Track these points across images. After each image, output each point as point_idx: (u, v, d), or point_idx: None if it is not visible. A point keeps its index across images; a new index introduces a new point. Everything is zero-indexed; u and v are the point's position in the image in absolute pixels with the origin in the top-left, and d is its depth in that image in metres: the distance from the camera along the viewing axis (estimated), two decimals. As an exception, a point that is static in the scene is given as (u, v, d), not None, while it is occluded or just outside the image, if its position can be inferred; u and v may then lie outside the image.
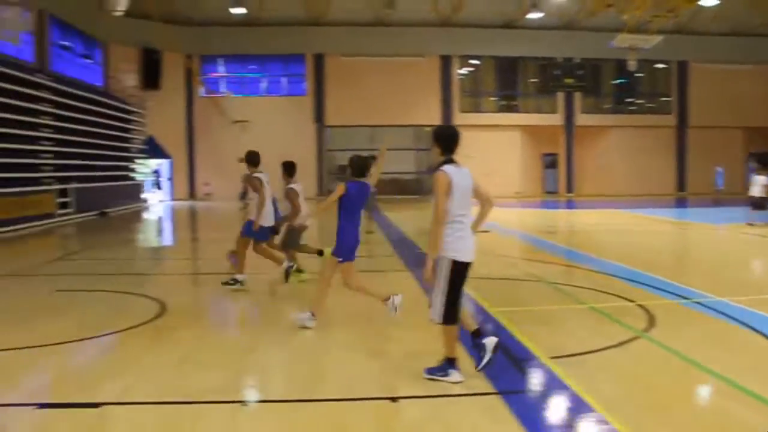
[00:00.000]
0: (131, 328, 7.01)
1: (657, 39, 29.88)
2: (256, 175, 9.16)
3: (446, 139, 5.23)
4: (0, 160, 18.48)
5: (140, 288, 9.33)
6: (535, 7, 31.22)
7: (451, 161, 5.14)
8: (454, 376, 5.13)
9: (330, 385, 5.21)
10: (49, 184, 21.09)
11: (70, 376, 5.46)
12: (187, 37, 33.30)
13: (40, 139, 21.21)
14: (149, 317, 7.49)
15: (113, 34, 30.49)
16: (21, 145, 19.96)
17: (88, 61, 29.34)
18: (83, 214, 23.03)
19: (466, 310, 5.58)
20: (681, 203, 32.32)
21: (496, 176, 34.53)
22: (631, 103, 39.99)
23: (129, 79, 30.96)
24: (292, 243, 9.71)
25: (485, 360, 5.20)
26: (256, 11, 32.65)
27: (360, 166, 7.01)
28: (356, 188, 6.85)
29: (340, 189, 6.79)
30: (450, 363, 5.16)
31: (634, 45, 30.15)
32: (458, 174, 5.09)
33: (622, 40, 29.80)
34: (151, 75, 32.55)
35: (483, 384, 5.10)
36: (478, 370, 5.22)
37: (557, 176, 39.28)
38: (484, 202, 5.38)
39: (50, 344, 6.46)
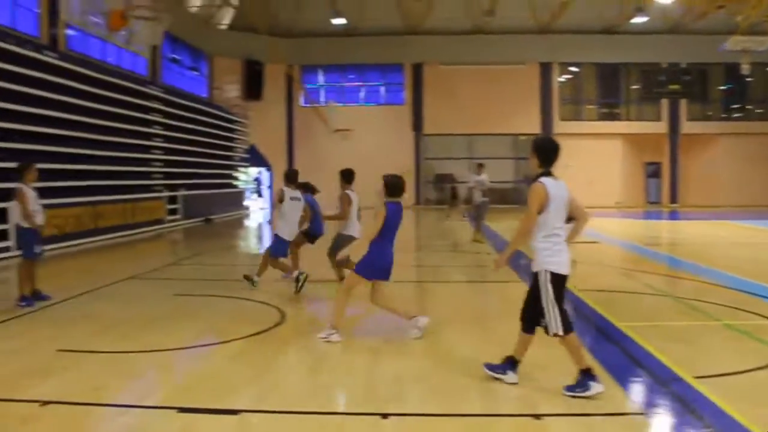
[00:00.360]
0: (255, 334, 7.11)
1: (772, 41, 28.25)
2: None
3: (546, 152, 5.22)
4: (117, 168, 19.42)
5: (254, 294, 9.48)
6: (640, 11, 30.13)
7: (549, 173, 5.16)
8: (596, 387, 4.96)
9: (472, 400, 5.07)
10: (160, 191, 21.97)
11: (204, 381, 5.55)
12: (288, 48, 34.08)
13: (152, 148, 22.17)
14: (271, 324, 7.58)
15: (218, 46, 31.65)
16: (135, 154, 20.90)
17: (195, 73, 30.50)
18: (190, 221, 23.89)
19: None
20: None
21: (597, 186, 33.63)
22: (740, 110, 37.99)
23: (232, 90, 32.00)
24: (332, 251, 9.88)
25: (583, 393, 4.99)
26: (356, 21, 33.14)
27: (395, 186, 6.90)
28: (394, 209, 6.85)
29: (381, 214, 6.78)
30: (586, 375, 5.02)
31: (748, 48, 28.60)
32: (555, 187, 5.12)
33: (735, 42, 28.33)
34: (253, 86, 33.52)
35: (628, 403, 4.85)
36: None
37: (660, 186, 37.80)
38: (579, 216, 5.37)
39: (180, 348, 6.66)
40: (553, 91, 36.41)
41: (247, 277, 10.00)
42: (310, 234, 10.62)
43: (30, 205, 8.59)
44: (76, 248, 15.98)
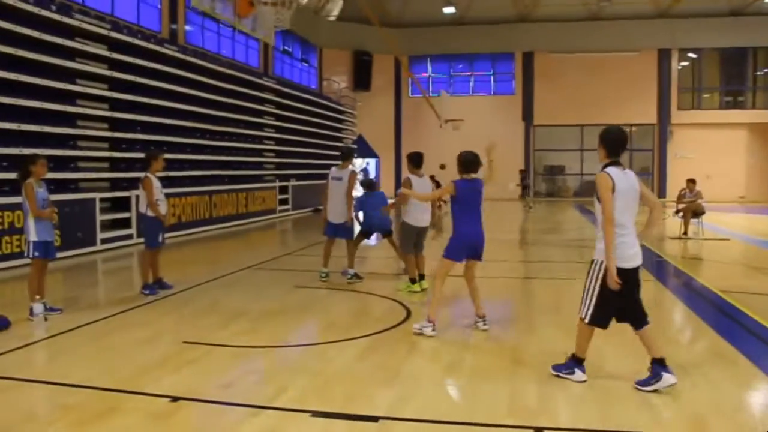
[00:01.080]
0: (381, 332, 6.85)
1: None
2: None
3: (612, 142, 5.11)
4: (231, 158, 19.81)
5: (375, 288, 9.26)
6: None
7: (615, 164, 5.05)
8: (579, 375, 5.19)
9: (629, 412, 4.59)
10: (272, 181, 22.29)
11: (335, 382, 5.30)
12: (397, 38, 33.85)
13: (264, 138, 22.51)
14: (395, 321, 7.31)
15: (327, 38, 31.87)
16: (249, 144, 21.27)
17: (305, 64, 30.82)
18: (299, 211, 24.15)
19: (644, 335, 5.16)
20: None
21: (718, 179, 31.65)
22: None
23: (341, 81, 32.16)
24: (402, 244, 9.17)
25: (652, 387, 4.94)
26: (464, 10, 32.55)
27: (467, 161, 6.75)
28: (465, 185, 6.74)
29: (446, 189, 6.84)
30: (576, 361, 5.23)
31: None
32: (622, 178, 5.00)
33: None
34: (361, 76, 33.60)
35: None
36: (638, 386, 4.99)
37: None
38: (653, 207, 5.24)
39: (306, 344, 6.48)
40: (672, 79, 34.47)
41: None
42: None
43: (155, 195, 8.70)
44: (192, 237, 16.38)
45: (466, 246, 6.80)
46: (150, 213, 8.72)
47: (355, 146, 10.16)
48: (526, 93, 35.27)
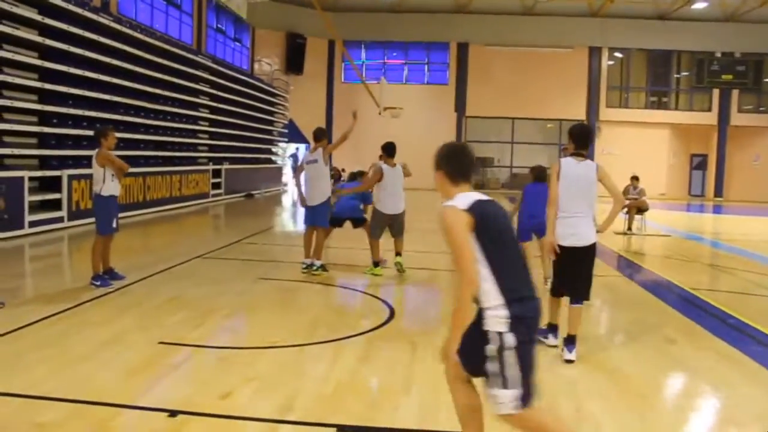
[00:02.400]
0: (372, 330, 6.36)
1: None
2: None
3: (577, 136, 5.68)
4: (165, 138, 18.70)
5: (341, 280, 8.75)
6: (700, -4, 28.90)
7: (577, 155, 5.62)
8: (550, 339, 5.83)
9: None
10: (206, 164, 21.26)
11: (348, 389, 4.75)
12: (333, 22, 33.00)
13: (199, 119, 21.42)
14: (383, 318, 6.82)
15: (261, 18, 30.69)
16: (184, 125, 20.17)
17: (237, 44, 29.65)
18: (231, 196, 23.19)
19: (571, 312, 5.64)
20: None
21: (641, 176, 32.34)
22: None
23: (273, 64, 31.13)
24: (371, 229, 9.44)
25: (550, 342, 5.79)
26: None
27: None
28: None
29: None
30: (550, 327, 5.84)
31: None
32: (573, 166, 5.55)
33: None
34: (294, 59, 32.62)
35: None
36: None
37: (704, 179, 36.65)
38: (614, 199, 5.68)
39: (299, 344, 5.87)
40: (601, 77, 35.22)
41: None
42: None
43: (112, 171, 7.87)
44: (125, 221, 15.24)
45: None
46: (105, 192, 7.85)
47: (323, 128, 9.46)
48: (459, 84, 35.20)
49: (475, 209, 3.04)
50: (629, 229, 16.41)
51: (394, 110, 28.20)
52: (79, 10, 14.36)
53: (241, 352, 5.69)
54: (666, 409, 4.71)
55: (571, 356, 5.43)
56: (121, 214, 15.12)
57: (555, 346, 5.72)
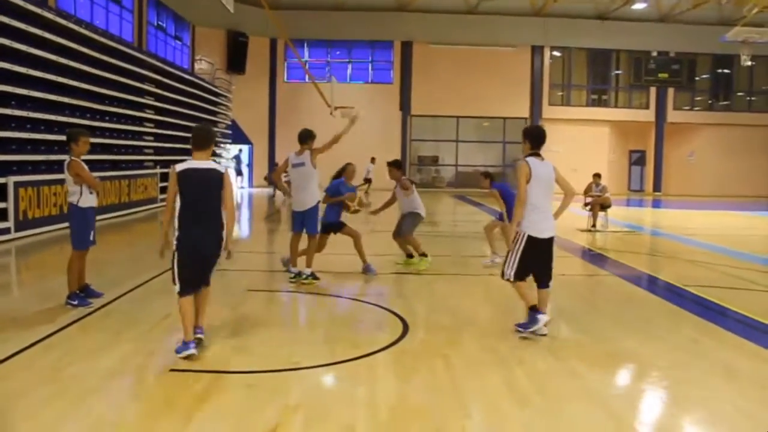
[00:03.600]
0: (392, 344, 5.90)
1: (774, 32, 28.02)
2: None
3: (533, 137, 6.22)
4: (112, 140, 17.68)
5: (338, 288, 8.22)
6: (640, -4, 29.51)
7: (535, 155, 6.13)
8: (542, 318, 6.08)
9: None
10: (153, 167, 20.26)
11: (403, 413, 4.30)
12: (280, 20, 32.14)
13: (144, 120, 20.40)
14: (398, 330, 6.36)
15: (201, 15, 29.68)
16: (130, 126, 19.14)
17: (178, 42, 28.53)
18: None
19: (544, 293, 6.27)
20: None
21: (583, 172, 32.86)
22: (726, 101, 37.99)
23: (214, 62, 30.10)
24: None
25: (531, 328, 6.13)
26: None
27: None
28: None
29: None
30: (533, 310, 6.14)
31: (749, 39, 28.26)
32: (540, 166, 6.08)
33: (737, 33, 27.95)
34: (236, 58, 31.65)
35: None
36: (518, 329, 6.22)
37: (643, 174, 37.58)
38: (566, 194, 6.24)
39: (326, 364, 5.35)
40: (544, 75, 35.60)
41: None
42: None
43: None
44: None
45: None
46: (83, 204, 7.11)
47: (310, 129, 8.87)
48: (403, 83, 34.95)
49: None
50: (593, 226, 16.43)
51: (345, 110, 27.61)
52: (20, 2, 13.27)
53: (266, 376, 5.12)
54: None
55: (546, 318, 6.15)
56: (65, 223, 14.33)
57: (548, 322, 6.14)
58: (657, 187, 36.70)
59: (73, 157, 7.09)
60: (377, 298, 7.87)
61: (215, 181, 5.53)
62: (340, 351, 5.75)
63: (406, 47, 34.72)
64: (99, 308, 7.03)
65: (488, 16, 33.97)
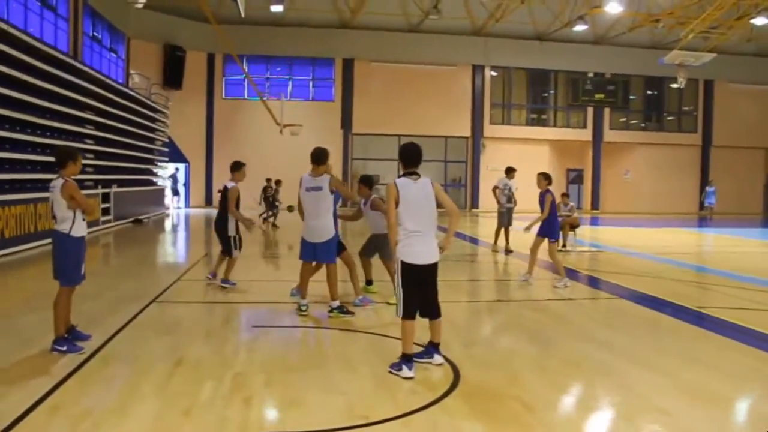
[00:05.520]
0: (453, 388, 5.20)
1: (708, 57, 28.90)
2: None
3: (404, 156, 5.74)
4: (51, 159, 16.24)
5: (357, 322, 7.43)
6: (581, 19, 29.96)
7: (409, 174, 5.66)
8: (405, 372, 5.42)
9: None
10: (95, 187, 18.83)
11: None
12: (211, 35, 30.90)
13: (84, 137, 18.97)
14: (445, 371, 5.65)
15: (137, 27, 28.27)
16: (71, 143, 17.68)
17: (113, 55, 27.01)
18: (121, 222, 20.82)
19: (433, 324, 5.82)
20: (721, 222, 31.12)
21: (523, 191, 33.05)
22: (658, 121, 39.15)
23: (151, 77, 28.67)
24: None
25: (398, 372, 5.48)
26: (285, 11, 30.64)
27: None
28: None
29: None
30: (404, 358, 5.50)
31: (685, 62, 29.09)
32: (410, 187, 5.60)
33: (674, 56, 28.69)
34: (173, 73, 30.27)
35: None
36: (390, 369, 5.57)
37: (580, 192, 38.15)
38: (449, 212, 5.81)
39: (396, 417, 4.58)
40: (485, 95, 35.69)
41: None
42: None
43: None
44: (15, 257, 12.92)
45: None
46: (76, 233, 6.10)
47: (326, 148, 8.11)
48: (345, 100, 34.29)
49: None
50: (564, 246, 16.19)
51: (293, 127, 26.78)
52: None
53: (339, 439, 4.32)
54: None
55: (441, 360, 5.77)
56: (7, 250, 12.92)
57: (411, 378, 5.42)
58: (595, 204, 37.31)
59: (67, 178, 6.08)
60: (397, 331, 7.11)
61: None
62: (402, 398, 5.03)
63: (348, 65, 34.12)
64: (93, 354, 6.00)
65: (430, 34, 33.82)
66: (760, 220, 33.35)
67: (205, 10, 23.05)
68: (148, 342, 6.56)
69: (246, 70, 30.42)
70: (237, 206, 9.64)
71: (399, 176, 5.75)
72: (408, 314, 5.59)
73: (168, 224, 23.62)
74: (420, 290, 5.62)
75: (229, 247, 9.72)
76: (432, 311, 5.73)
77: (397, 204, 5.57)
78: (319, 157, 7.76)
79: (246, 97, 33.31)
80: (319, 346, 6.70)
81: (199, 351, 6.22)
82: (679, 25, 29.64)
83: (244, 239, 10.06)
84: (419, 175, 5.68)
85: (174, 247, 17.59)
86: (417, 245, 5.56)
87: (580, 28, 30.82)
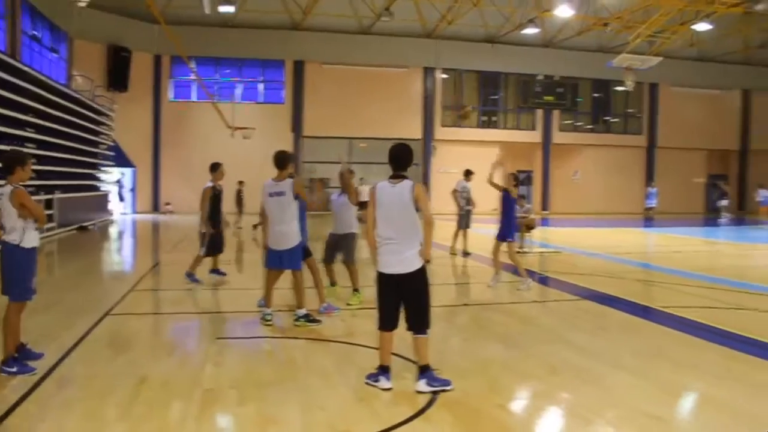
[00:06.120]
0: (433, 400, 4.96)
1: (655, 60, 29.53)
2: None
3: (390, 158, 5.46)
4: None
5: (326, 330, 7.16)
6: (531, 23, 30.29)
7: (394, 177, 5.39)
8: (382, 382, 5.24)
9: None
10: (37, 193, 18.03)
11: None
12: (158, 35, 30.12)
13: (25, 140, 18.15)
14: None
15: (80, 27, 27.29)
16: (12, 146, 16.88)
17: (54, 55, 26.02)
18: (65, 229, 20.02)
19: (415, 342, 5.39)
20: (666, 222, 31.79)
21: (475, 192, 33.22)
22: (605, 123, 39.88)
23: (95, 78, 27.72)
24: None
25: (372, 382, 5.29)
26: (235, 11, 30.04)
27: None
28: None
29: None
30: (380, 369, 5.31)
31: (632, 65, 29.66)
32: (387, 191, 5.34)
33: (622, 60, 29.23)
34: (118, 75, 29.35)
35: None
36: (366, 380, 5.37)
37: (530, 193, 38.53)
38: (423, 221, 5.32)
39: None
40: (436, 97, 35.74)
41: None
42: None
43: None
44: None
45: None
46: (28, 243, 5.69)
47: (288, 151, 7.96)
48: (296, 103, 33.86)
49: None
50: (521, 247, 16.19)
51: (245, 131, 26.25)
52: None
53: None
54: None
55: (422, 387, 5.20)
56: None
57: (389, 389, 5.19)
58: (545, 206, 37.72)
59: (16, 185, 5.66)
60: (372, 339, 6.87)
61: None
62: (383, 411, 4.82)
63: (299, 67, 33.72)
64: (46, 375, 5.59)
65: (381, 36, 33.71)
66: (702, 219, 34.25)
67: (153, 9, 22.31)
68: (106, 359, 6.16)
69: (195, 71, 29.61)
70: (218, 207, 10.39)
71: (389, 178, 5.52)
72: (381, 325, 5.38)
73: (114, 231, 22.84)
74: (395, 301, 5.34)
75: (201, 242, 10.36)
76: (411, 324, 5.35)
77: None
78: (281, 161, 7.49)
79: (195, 99, 32.60)
80: (289, 357, 6.38)
81: (163, 367, 5.86)
82: (626, 29, 30.17)
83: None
84: (403, 179, 5.37)
85: (123, 256, 16.96)
86: (387, 254, 5.33)
87: (530, 31, 31.14)
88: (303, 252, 8.03)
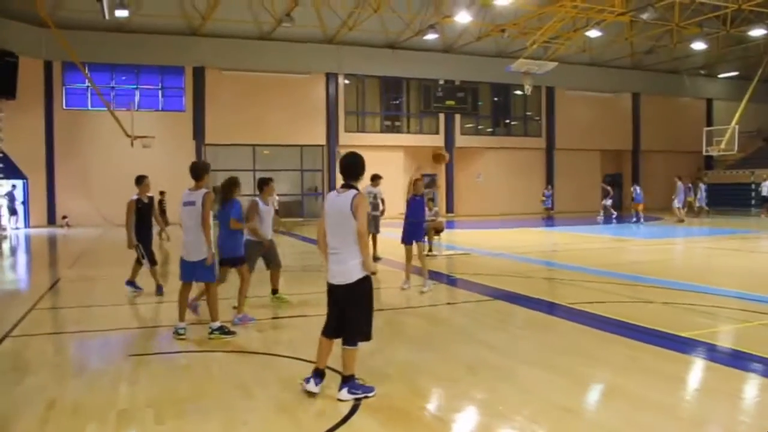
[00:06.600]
0: (356, 407, 4.99)
1: (551, 65, 30.79)
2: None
3: (341, 167, 5.54)
4: None
5: (247, 342, 7.06)
6: (432, 28, 30.91)
7: (345, 186, 5.40)
8: (309, 385, 5.29)
9: None
10: None
11: None
12: (48, 40, 28.74)
13: None
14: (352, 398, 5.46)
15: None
16: None
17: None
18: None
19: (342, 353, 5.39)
20: (564, 220, 33.09)
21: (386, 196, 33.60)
22: (506, 126, 41.13)
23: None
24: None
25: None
26: (130, 15, 29.07)
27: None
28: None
29: None
30: (313, 372, 5.37)
31: (530, 70, 30.79)
32: (332, 201, 5.38)
33: (520, 65, 30.31)
34: (5, 82, 27.77)
35: None
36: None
37: (436, 196, 39.16)
38: (357, 233, 5.23)
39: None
40: (339, 102, 35.81)
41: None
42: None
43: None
44: None
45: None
46: None
47: (207, 162, 7.86)
48: (197, 110, 33.07)
49: None
50: (430, 250, 16.48)
51: (145, 139, 25.42)
52: None
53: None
54: None
55: (344, 395, 5.22)
56: None
57: (314, 393, 5.26)
58: (449, 208, 38.44)
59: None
60: (290, 349, 6.85)
61: None
62: (307, 422, 4.81)
63: (198, 73, 32.95)
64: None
65: (282, 42, 33.44)
66: (597, 217, 35.84)
67: (41, 11, 21.25)
68: (10, 384, 5.84)
69: (90, 78, 28.45)
70: (145, 219, 10.40)
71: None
72: (322, 330, 5.49)
73: (6, 247, 21.61)
74: (337, 309, 5.40)
75: (140, 255, 10.40)
76: (341, 334, 5.36)
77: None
78: (195, 171, 7.39)
79: (90, 107, 31.28)
80: (206, 371, 6.24)
81: (73, 389, 5.61)
82: (522, 35, 31.25)
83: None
84: (351, 189, 5.33)
85: (18, 273, 16.09)
86: (331, 263, 5.37)
87: (430, 36, 31.78)
88: (237, 260, 8.23)
